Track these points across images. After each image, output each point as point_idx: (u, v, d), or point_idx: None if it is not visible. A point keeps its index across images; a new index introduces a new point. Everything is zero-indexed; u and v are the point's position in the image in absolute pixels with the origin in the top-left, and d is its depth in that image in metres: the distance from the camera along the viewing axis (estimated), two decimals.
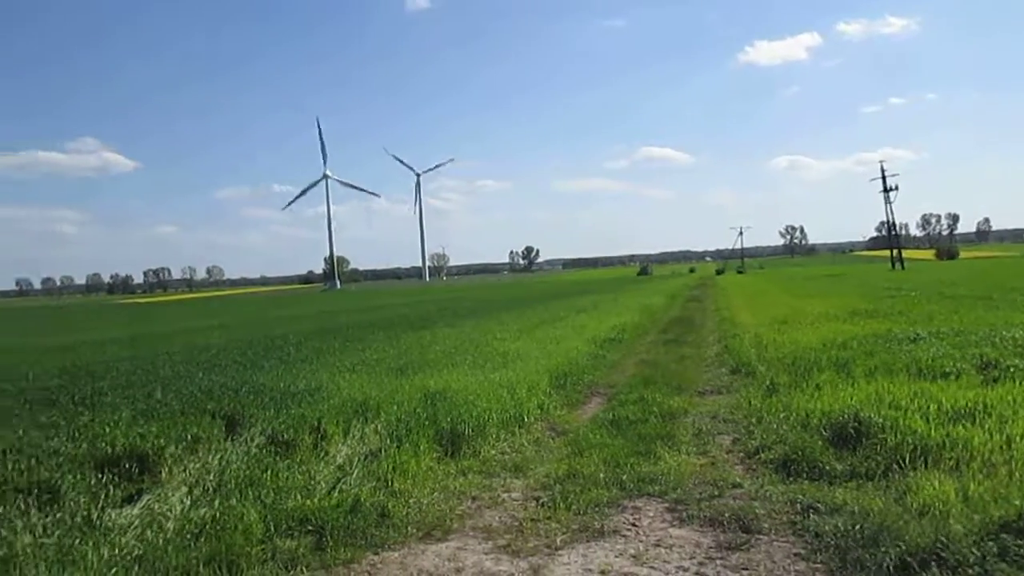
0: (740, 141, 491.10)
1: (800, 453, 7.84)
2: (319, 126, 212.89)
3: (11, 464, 7.05)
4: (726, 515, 6.53)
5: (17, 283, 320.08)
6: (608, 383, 14.34)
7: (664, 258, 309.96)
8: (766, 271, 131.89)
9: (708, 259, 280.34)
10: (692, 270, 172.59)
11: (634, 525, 6.55)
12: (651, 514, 6.82)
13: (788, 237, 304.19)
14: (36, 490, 6.48)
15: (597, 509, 6.90)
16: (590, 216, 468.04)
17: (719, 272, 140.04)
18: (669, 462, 8.22)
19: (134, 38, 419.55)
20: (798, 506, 6.60)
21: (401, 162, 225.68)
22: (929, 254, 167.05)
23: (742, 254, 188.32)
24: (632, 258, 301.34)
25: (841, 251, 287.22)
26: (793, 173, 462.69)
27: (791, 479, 7.40)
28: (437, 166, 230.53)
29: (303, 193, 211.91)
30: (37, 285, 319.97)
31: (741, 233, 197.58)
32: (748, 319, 24.91)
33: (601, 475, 7.86)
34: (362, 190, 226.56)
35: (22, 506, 6.16)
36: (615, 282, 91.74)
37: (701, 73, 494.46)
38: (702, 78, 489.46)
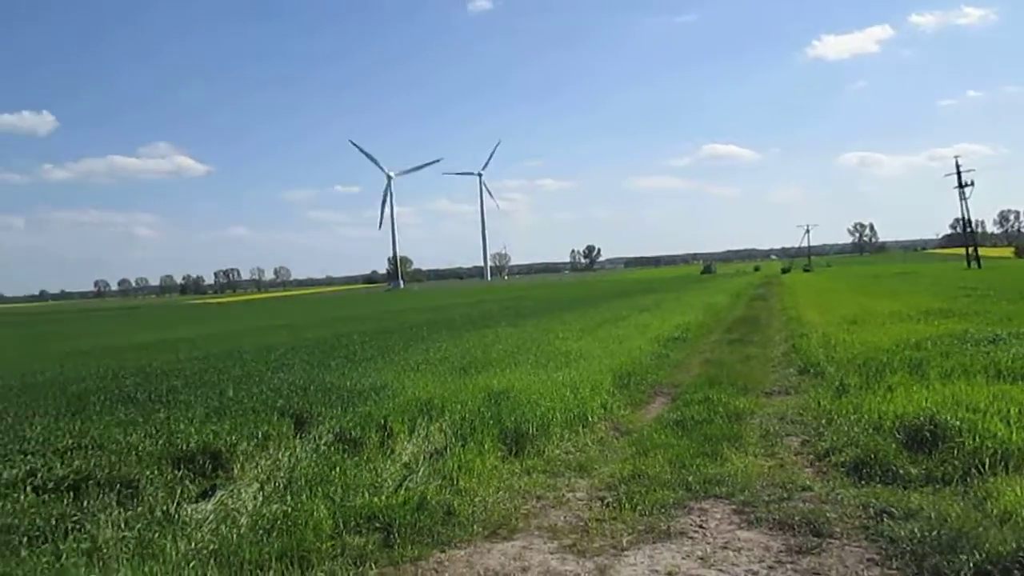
0: (807, 137, 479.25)
1: (872, 456, 7.64)
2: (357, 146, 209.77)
3: (93, 459, 7.31)
4: (796, 518, 6.41)
5: (95, 284, 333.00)
6: (672, 383, 14.20)
7: (728, 256, 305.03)
8: (834, 269, 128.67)
9: (773, 257, 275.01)
10: (757, 268, 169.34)
11: (701, 527, 6.48)
12: (718, 516, 6.73)
13: (857, 235, 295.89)
14: (117, 485, 6.71)
15: (663, 510, 6.84)
16: (653, 214, 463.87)
17: (785, 271, 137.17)
18: (736, 463, 8.11)
19: (207, 47, 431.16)
20: (871, 510, 6.44)
21: (459, 173, 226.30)
22: (1008, 252, 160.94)
23: (809, 252, 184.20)
24: (695, 257, 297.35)
25: (913, 249, 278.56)
26: (863, 169, 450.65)
27: (863, 483, 7.22)
28: (489, 157, 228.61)
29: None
30: (114, 286, 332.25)
31: (808, 231, 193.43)
32: (816, 318, 24.36)
33: (667, 476, 7.80)
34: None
35: (104, 500, 6.38)
36: (678, 281, 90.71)
37: (768, 68, 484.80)
38: (769, 73, 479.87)
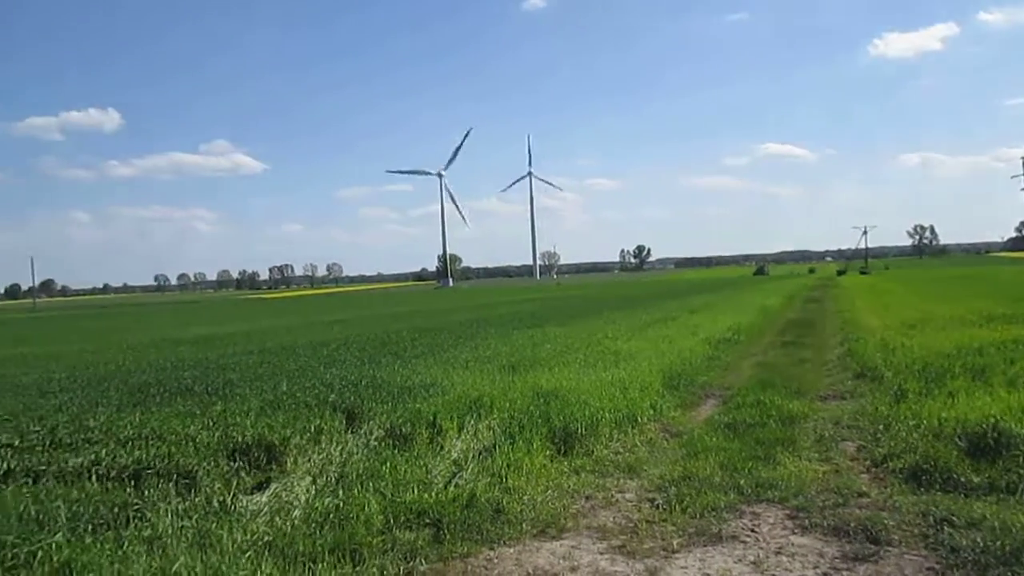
0: (867, 137, 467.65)
1: (932, 463, 7.45)
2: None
3: (153, 450, 7.51)
4: (852, 524, 6.29)
5: (156, 278, 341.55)
6: (723, 385, 14.04)
7: (782, 258, 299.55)
8: (891, 272, 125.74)
9: (829, 259, 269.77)
10: (812, 270, 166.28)
11: (753, 531, 6.39)
12: (771, 520, 6.63)
13: (917, 237, 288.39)
14: (176, 475, 6.89)
15: (714, 513, 6.76)
16: (706, 214, 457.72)
17: (841, 273, 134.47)
18: (789, 468, 7.98)
19: (266, 46, 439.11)
20: (931, 518, 6.28)
21: (512, 183, 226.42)
22: None
23: (866, 254, 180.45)
24: (748, 258, 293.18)
25: (976, 252, 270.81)
26: (924, 170, 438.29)
27: (922, 490, 7.05)
28: (527, 152, 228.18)
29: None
30: (173, 281, 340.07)
31: (865, 232, 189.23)
32: (873, 322, 23.85)
33: (717, 479, 7.71)
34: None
35: (164, 490, 6.55)
36: (730, 282, 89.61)
37: (827, 67, 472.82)
38: (828, 72, 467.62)
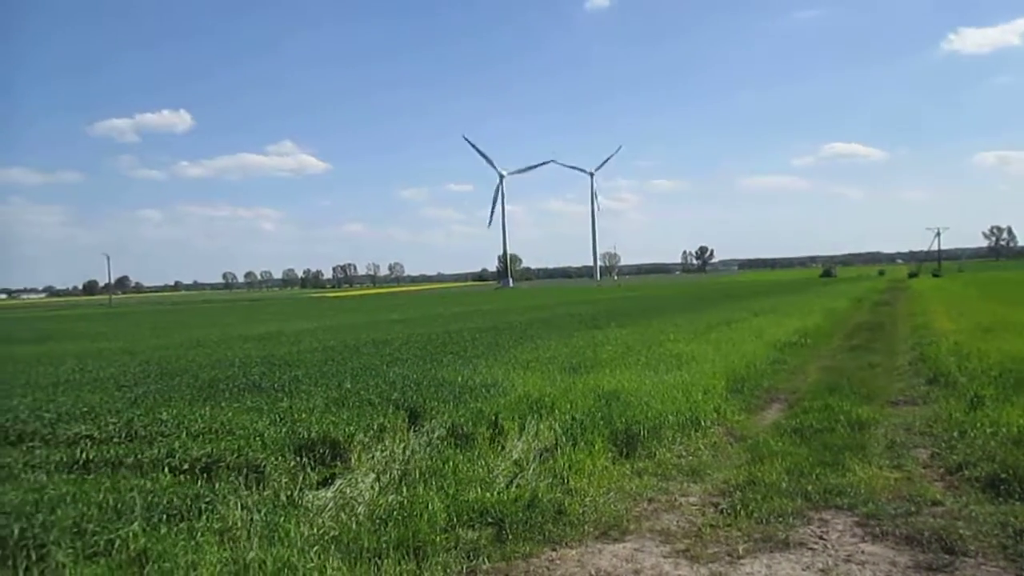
0: (939, 135, 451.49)
1: (1011, 472, 7.20)
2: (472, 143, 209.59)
3: (224, 443, 7.71)
4: (925, 533, 6.11)
5: (224, 276, 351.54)
6: (789, 389, 13.77)
7: (850, 260, 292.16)
8: (966, 275, 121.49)
9: (899, 261, 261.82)
10: (881, 272, 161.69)
11: (821, 538, 6.25)
12: (840, 527, 6.49)
13: (993, 238, 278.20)
14: (245, 469, 7.06)
15: (781, 519, 6.64)
16: (770, 215, 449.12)
17: (912, 275, 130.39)
18: (859, 474, 7.79)
19: (331, 47, 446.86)
20: (1010, 529, 6.07)
21: (571, 167, 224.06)
22: None
23: (939, 256, 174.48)
24: (814, 259, 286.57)
25: None
26: (1001, 169, 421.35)
27: (1000, 499, 6.82)
28: (605, 161, 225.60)
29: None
30: (240, 278, 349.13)
31: (938, 234, 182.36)
32: (946, 326, 23.10)
33: (784, 484, 7.57)
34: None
35: (233, 483, 6.72)
36: (795, 284, 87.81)
37: (897, 63, 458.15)
38: (898, 69, 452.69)
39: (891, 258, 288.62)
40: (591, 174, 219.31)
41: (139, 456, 7.39)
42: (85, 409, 9.82)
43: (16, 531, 5.23)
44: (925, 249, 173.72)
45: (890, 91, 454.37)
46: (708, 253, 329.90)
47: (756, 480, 7.74)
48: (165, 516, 5.82)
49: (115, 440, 8.24)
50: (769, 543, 6.15)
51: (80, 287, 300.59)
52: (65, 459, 7.42)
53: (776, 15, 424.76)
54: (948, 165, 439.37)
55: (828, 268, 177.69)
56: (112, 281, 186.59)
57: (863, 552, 5.92)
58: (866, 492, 7.23)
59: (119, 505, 5.87)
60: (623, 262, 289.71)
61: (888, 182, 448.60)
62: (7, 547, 5.12)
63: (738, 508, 6.90)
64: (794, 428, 10.08)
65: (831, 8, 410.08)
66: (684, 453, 9.19)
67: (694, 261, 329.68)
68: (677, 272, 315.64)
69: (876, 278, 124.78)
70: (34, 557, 5.08)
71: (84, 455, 7.49)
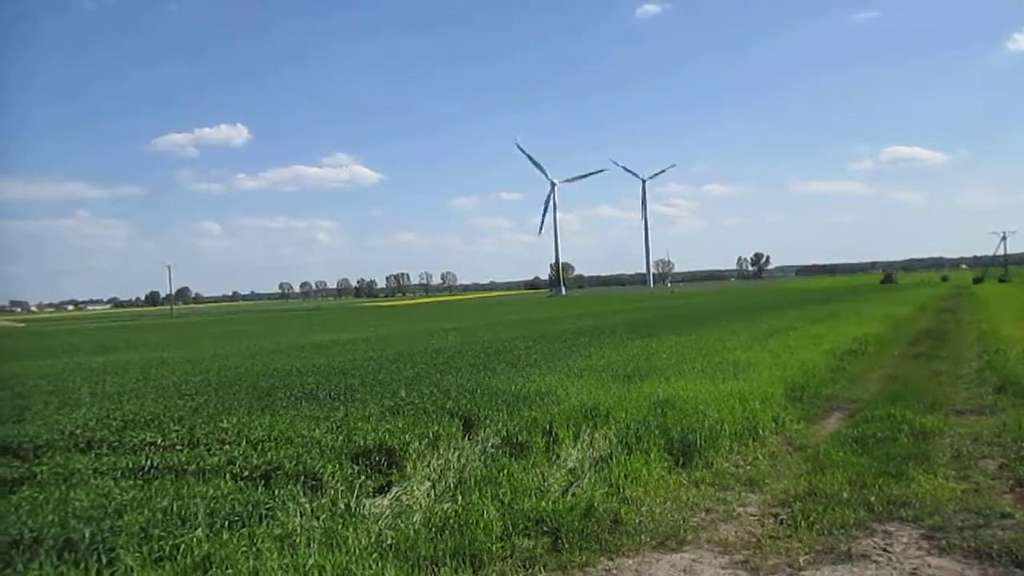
0: (1005, 137, 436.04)
1: None
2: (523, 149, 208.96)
3: (282, 451, 7.85)
4: (995, 547, 5.93)
5: (280, 286, 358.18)
6: (849, 398, 13.48)
7: (911, 265, 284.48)
8: None
9: (964, 267, 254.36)
10: (944, 278, 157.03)
11: (885, 550, 6.10)
12: (904, 540, 6.32)
13: None
14: (303, 476, 7.16)
15: (843, 530, 6.50)
16: (828, 220, 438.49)
17: (977, 280, 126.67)
18: (924, 485, 7.59)
19: (383, 59, 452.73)
20: None
21: (625, 169, 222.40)
22: None
23: (1005, 261, 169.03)
24: (874, 265, 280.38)
25: None
26: None
27: None
28: (660, 172, 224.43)
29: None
30: (296, 288, 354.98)
31: (1004, 238, 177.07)
32: (1015, 333, 22.36)
33: (845, 494, 7.42)
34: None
35: (292, 490, 6.82)
36: (855, 290, 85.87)
37: (960, 64, 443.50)
38: (961, 69, 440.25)
39: (955, 263, 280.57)
40: (643, 180, 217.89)
41: (201, 463, 7.56)
42: (149, 417, 10.10)
43: (87, 534, 5.41)
44: (991, 254, 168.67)
45: (952, 93, 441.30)
46: (764, 259, 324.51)
47: (817, 490, 7.60)
48: (227, 522, 5.94)
49: (178, 447, 8.45)
50: (831, 555, 6.03)
51: (143, 298, 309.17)
52: (131, 465, 7.63)
53: (832, 17, 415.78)
54: (1014, 167, 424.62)
55: (889, 274, 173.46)
56: (173, 292, 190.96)
57: (929, 566, 5.76)
58: (932, 504, 7.04)
59: (183, 511, 6.00)
60: (676, 269, 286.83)
61: (951, 185, 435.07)
62: (78, 550, 5.29)
63: (798, 519, 6.78)
64: (855, 438, 9.86)
65: (888, 9, 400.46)
66: (742, 462, 9.06)
67: (750, 267, 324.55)
68: (732, 279, 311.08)
69: (939, 284, 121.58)
70: (104, 560, 5.24)
71: (149, 462, 7.69)
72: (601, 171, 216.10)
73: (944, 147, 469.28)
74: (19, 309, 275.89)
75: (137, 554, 5.33)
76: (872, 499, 7.21)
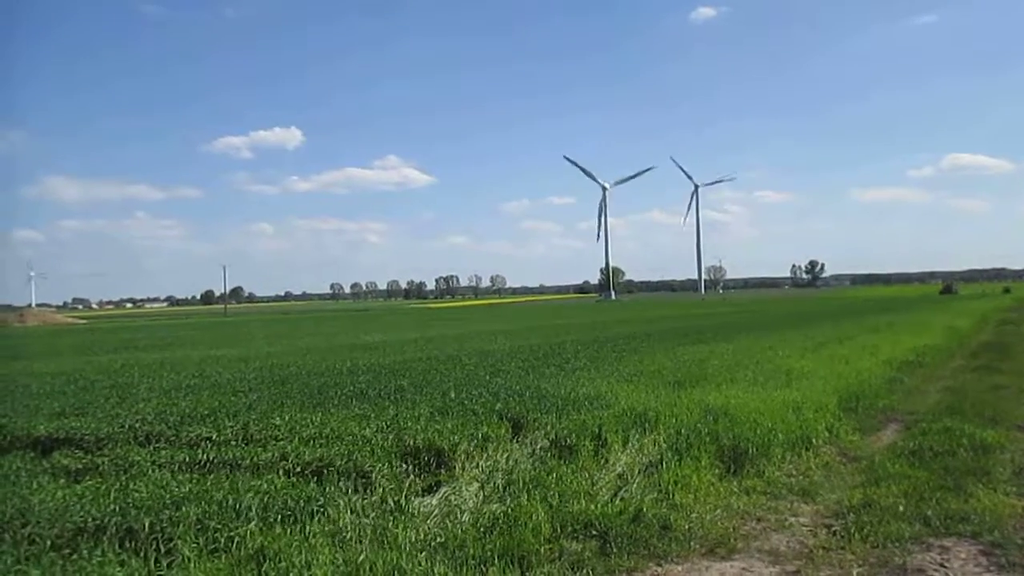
0: None
1: None
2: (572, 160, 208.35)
3: (334, 449, 7.96)
4: None
5: (331, 287, 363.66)
6: (906, 409, 13.16)
7: (972, 276, 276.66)
8: None
9: None
10: (1007, 290, 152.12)
11: (942, 566, 5.96)
12: (962, 556, 6.16)
13: None
14: (353, 474, 7.26)
15: (898, 544, 6.36)
16: (885, 228, 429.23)
17: None
18: (983, 501, 7.38)
19: (430, 61, 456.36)
20: None
21: (682, 170, 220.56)
22: None
23: None
24: (933, 275, 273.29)
25: None
26: None
27: None
28: (717, 181, 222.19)
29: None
30: (347, 289, 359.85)
31: None
32: None
33: (901, 508, 7.26)
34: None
35: (343, 487, 6.92)
36: (913, 300, 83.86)
37: None
38: None
39: (1019, 274, 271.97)
40: (697, 187, 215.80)
41: (255, 458, 7.71)
42: (205, 412, 10.33)
43: (146, 524, 5.57)
44: None
45: (1018, 99, 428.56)
46: (819, 267, 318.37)
47: (871, 502, 7.45)
48: (280, 517, 6.06)
49: (232, 443, 8.64)
50: (885, 569, 5.91)
51: (198, 297, 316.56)
52: (187, 459, 7.82)
53: (893, 21, 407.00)
54: None
55: (948, 284, 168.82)
56: (227, 291, 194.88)
57: None
58: (991, 520, 6.85)
59: (237, 504, 6.14)
60: (728, 275, 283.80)
61: (1016, 194, 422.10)
62: (138, 539, 5.46)
63: (852, 531, 6.66)
64: (912, 450, 9.64)
65: (950, 13, 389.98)
66: (794, 472, 8.92)
67: (804, 275, 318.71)
68: (786, 287, 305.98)
69: (1001, 296, 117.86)
70: (162, 550, 5.39)
71: (204, 456, 7.88)
72: (649, 169, 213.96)
73: (1009, 155, 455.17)
74: (81, 307, 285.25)
75: (194, 544, 5.47)
76: (929, 513, 7.05)
